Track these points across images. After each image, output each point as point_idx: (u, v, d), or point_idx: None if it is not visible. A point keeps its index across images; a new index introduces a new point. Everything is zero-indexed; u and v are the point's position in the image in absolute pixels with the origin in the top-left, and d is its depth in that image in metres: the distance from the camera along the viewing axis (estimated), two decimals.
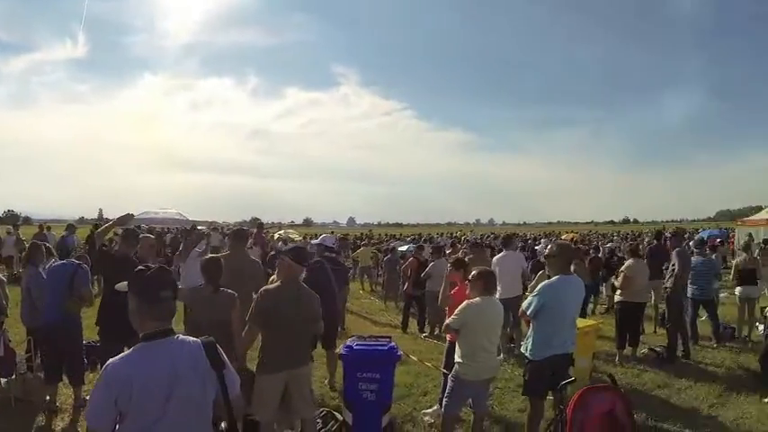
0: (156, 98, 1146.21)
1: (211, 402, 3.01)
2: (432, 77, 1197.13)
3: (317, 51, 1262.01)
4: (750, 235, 23.61)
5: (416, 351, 10.21)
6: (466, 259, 8.33)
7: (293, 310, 5.36)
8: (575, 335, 6.30)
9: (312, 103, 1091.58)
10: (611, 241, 26.88)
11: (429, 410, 7.11)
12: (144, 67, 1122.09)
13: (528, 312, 6.00)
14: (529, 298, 6.17)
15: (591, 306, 15.60)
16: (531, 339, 6.05)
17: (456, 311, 6.00)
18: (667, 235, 14.38)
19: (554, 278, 6.08)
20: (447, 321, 6.16)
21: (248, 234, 10.29)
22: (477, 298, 5.93)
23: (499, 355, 9.37)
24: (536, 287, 6.24)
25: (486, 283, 6.05)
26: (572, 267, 10.84)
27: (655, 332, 11.82)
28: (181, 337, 3.01)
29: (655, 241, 13.24)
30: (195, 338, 3.06)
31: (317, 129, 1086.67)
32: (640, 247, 13.84)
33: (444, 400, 6.08)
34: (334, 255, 9.78)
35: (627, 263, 10.91)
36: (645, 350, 10.53)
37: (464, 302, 6.03)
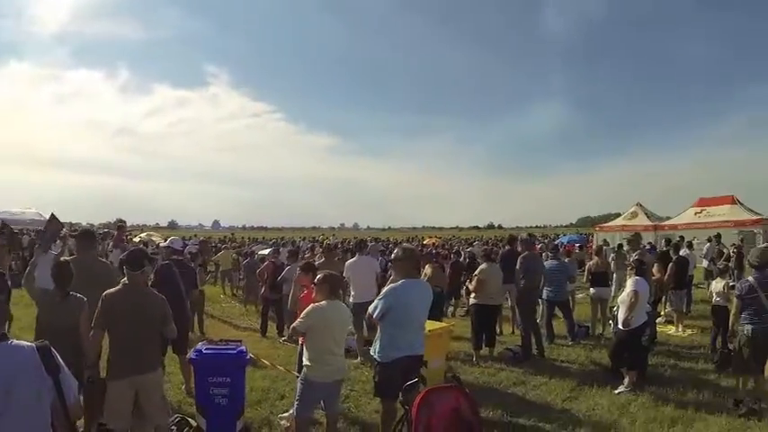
0: (21, 87, 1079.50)
1: (48, 408, 2.89)
2: (302, 81, 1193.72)
3: (190, 49, 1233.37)
4: (605, 240, 24.74)
5: (274, 355, 10.19)
6: (316, 263, 8.33)
7: (136, 315, 5.23)
8: (423, 337, 6.35)
9: (181, 102, 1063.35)
10: (472, 246, 27.36)
11: (285, 414, 6.99)
12: (10, 53, 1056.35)
13: (375, 315, 6.06)
14: (375, 301, 6.22)
15: (451, 309, 16.08)
16: (378, 342, 6.12)
17: (302, 315, 6.01)
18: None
19: (399, 282, 6.15)
20: (294, 324, 6.11)
21: (96, 235, 9.81)
22: (323, 301, 5.95)
23: (357, 358, 9.45)
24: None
25: (332, 286, 6.09)
26: (429, 271, 11.10)
27: (513, 333, 12.12)
28: (14, 342, 2.90)
29: (508, 246, 13.57)
30: (30, 343, 2.96)
31: (185, 128, 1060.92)
32: (494, 251, 14.15)
33: (295, 403, 6.01)
34: (181, 258, 9.52)
35: (480, 267, 11.12)
36: (501, 350, 10.80)
37: (310, 306, 6.03)
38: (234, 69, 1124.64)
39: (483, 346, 10.53)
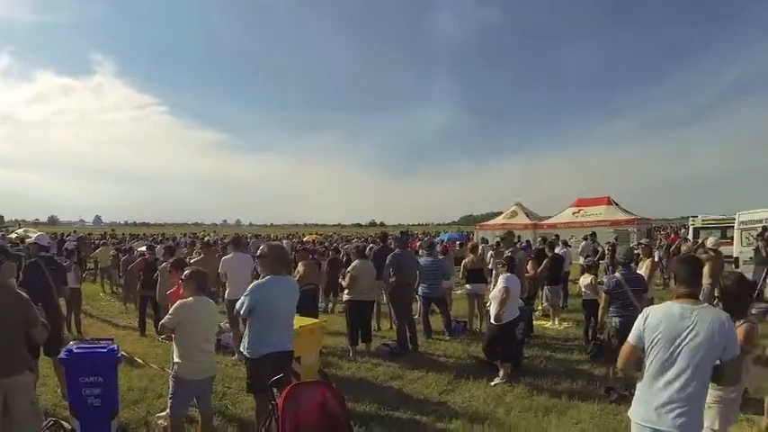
0: None
1: None
2: (189, 73, 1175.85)
3: (77, 34, 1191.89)
4: (483, 238, 25.14)
5: (152, 354, 9.98)
6: (194, 260, 8.14)
7: None
8: (291, 333, 6.34)
9: (64, 91, 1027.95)
10: (350, 243, 27.42)
11: (162, 413, 6.78)
12: None
13: (242, 312, 6.01)
14: (242, 297, 6.13)
15: (330, 305, 16.17)
16: (247, 338, 6.07)
17: (170, 311, 5.91)
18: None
19: (265, 278, 6.12)
20: (162, 321, 5.98)
21: None
22: (190, 298, 5.89)
23: (234, 355, 9.25)
24: None
25: (198, 282, 6.02)
26: (301, 269, 10.98)
27: (390, 328, 12.07)
28: None
29: (381, 243, 13.62)
30: None
31: (67, 119, 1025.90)
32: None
33: (169, 401, 5.89)
34: (50, 254, 9.07)
35: (353, 263, 11.20)
36: (379, 345, 10.85)
37: (177, 302, 5.95)
38: (120, 58, 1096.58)
39: (359, 341, 10.58)
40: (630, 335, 3.73)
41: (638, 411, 3.71)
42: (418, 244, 21.07)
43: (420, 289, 11.98)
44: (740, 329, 4.49)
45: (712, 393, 4.45)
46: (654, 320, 3.58)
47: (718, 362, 3.58)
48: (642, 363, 3.69)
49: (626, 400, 7.39)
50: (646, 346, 3.59)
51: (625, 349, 3.76)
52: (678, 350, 3.48)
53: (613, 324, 7.85)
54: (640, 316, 3.73)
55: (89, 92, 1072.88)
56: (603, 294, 8.16)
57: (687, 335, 3.48)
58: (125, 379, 8.28)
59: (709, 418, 4.48)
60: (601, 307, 8.24)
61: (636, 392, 3.80)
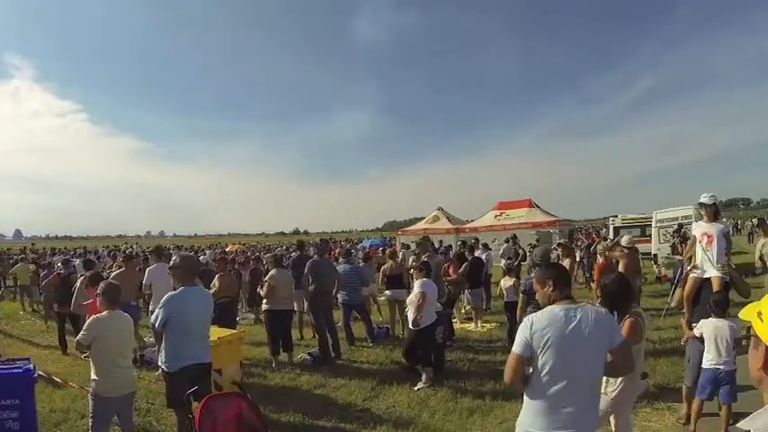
0: None
1: None
2: (110, 80, 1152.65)
3: None
4: (404, 243, 25.24)
5: (75, 373, 9.70)
6: (112, 273, 7.96)
7: None
8: (208, 345, 6.30)
9: None
10: (271, 252, 27.30)
11: None
12: None
13: (156, 325, 5.95)
14: (156, 310, 6.09)
15: (253, 316, 16.02)
16: (163, 351, 6.00)
17: (84, 327, 5.81)
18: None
19: (178, 290, 6.07)
20: (77, 338, 5.91)
21: None
22: (104, 312, 5.81)
23: (158, 370, 9.04)
24: None
25: (112, 296, 5.93)
26: (217, 283, 10.88)
27: (313, 337, 11.94)
28: None
29: (298, 251, 13.55)
30: None
31: None
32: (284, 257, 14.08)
33: (90, 420, 5.81)
34: None
35: (270, 273, 11.09)
36: (302, 355, 10.82)
37: (91, 318, 5.85)
38: (39, 62, 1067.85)
39: (280, 351, 10.53)
40: (516, 344, 3.67)
41: (535, 423, 3.67)
42: (338, 251, 21.06)
43: (339, 296, 12.03)
44: (626, 323, 4.76)
45: (609, 382, 4.76)
46: (540, 326, 3.57)
47: (608, 355, 3.69)
48: (526, 374, 3.69)
49: None
50: (536, 353, 3.56)
51: (511, 361, 3.68)
52: (569, 351, 3.51)
53: None
54: (524, 324, 3.69)
55: (7, 96, 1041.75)
56: (521, 295, 8.24)
57: (574, 334, 3.52)
58: (47, 401, 8.14)
59: (605, 405, 4.72)
60: (519, 308, 8.34)
61: (527, 403, 3.78)
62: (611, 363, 3.72)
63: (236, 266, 17.04)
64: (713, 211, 7.70)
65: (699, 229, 7.86)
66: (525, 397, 3.78)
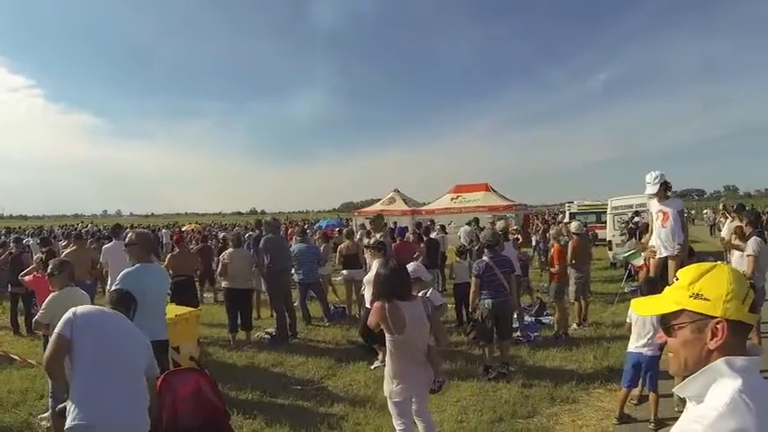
0: None
1: None
2: (65, 55, 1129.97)
3: None
4: (362, 224, 25.24)
5: (33, 354, 9.50)
6: (67, 251, 7.91)
7: None
8: (164, 322, 6.28)
9: None
10: (226, 231, 27.18)
11: (45, 414, 6.68)
12: None
13: None
14: (112, 288, 5.98)
15: (210, 295, 16.13)
16: None
17: (42, 306, 5.87)
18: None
19: (134, 266, 6.05)
20: (35, 317, 5.93)
21: None
22: (61, 289, 5.87)
23: None
24: None
25: (66, 273, 6.02)
26: (168, 261, 10.85)
27: (271, 316, 11.95)
28: None
29: (256, 230, 13.55)
30: None
31: None
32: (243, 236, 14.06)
33: (50, 400, 5.92)
34: None
35: (227, 251, 11.14)
36: (260, 333, 10.90)
37: (49, 296, 5.91)
38: None
39: (238, 329, 10.63)
40: None
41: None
42: (294, 230, 21.04)
43: (296, 276, 12.06)
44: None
45: None
46: None
47: None
48: None
49: (504, 377, 7.83)
50: None
51: None
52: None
53: (486, 305, 8.12)
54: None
55: None
56: (473, 278, 8.33)
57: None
58: (4, 381, 8.17)
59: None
60: (472, 291, 8.41)
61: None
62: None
63: (191, 246, 16.91)
64: (664, 189, 7.51)
65: (654, 206, 7.74)
66: None
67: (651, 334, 6.01)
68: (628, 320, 6.45)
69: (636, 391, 6.79)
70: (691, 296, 1.68)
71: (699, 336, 1.67)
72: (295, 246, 12.40)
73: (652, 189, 7.52)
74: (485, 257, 8.44)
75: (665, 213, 7.49)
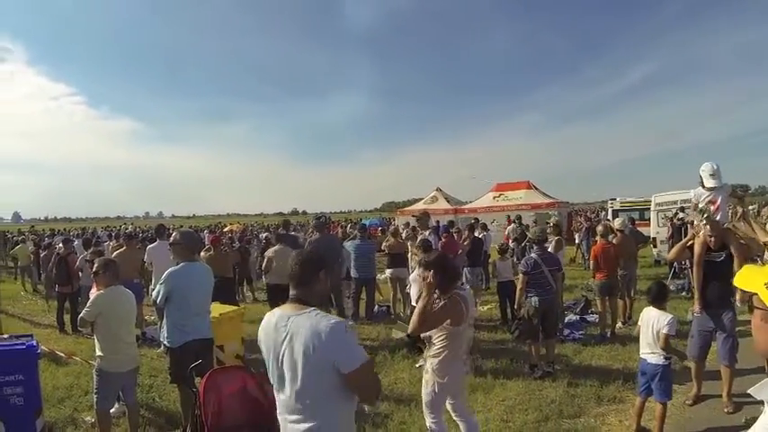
0: None
1: None
2: (104, 62, 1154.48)
3: None
4: (407, 223, 25.24)
5: (77, 351, 9.59)
6: (116, 252, 8.01)
7: None
8: (209, 320, 6.35)
9: None
10: (269, 232, 27.40)
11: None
12: None
13: (158, 301, 6.03)
14: (157, 287, 6.17)
15: (250, 294, 16.50)
16: (165, 327, 6.07)
17: (89, 303, 5.86)
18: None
19: (179, 265, 6.10)
20: (81, 314, 5.94)
21: None
22: (106, 288, 5.85)
23: (160, 347, 9.11)
24: None
25: (111, 272, 5.96)
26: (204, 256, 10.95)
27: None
28: None
29: (282, 229, 13.70)
30: None
31: None
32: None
33: (94, 396, 5.86)
34: None
35: (272, 248, 11.33)
36: None
37: (94, 294, 5.95)
38: (31, 45, 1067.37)
39: None
40: None
41: None
42: (339, 231, 21.10)
43: (352, 272, 12.11)
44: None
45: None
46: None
47: None
48: None
49: (550, 376, 7.78)
50: None
51: None
52: None
53: (532, 303, 8.10)
54: None
55: (1, 81, 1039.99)
56: (521, 275, 8.27)
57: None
58: (50, 378, 8.23)
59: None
60: (519, 288, 8.35)
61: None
62: None
63: (233, 245, 17.13)
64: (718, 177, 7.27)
65: (701, 197, 7.45)
66: None
67: (652, 340, 5.85)
68: (639, 323, 6.22)
69: (693, 391, 6.75)
70: (765, 284, 1.62)
71: (763, 326, 1.65)
72: (352, 242, 12.51)
73: (714, 182, 7.30)
74: (533, 254, 8.40)
75: (714, 202, 7.29)
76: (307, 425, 2.96)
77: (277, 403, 3.18)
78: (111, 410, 6.15)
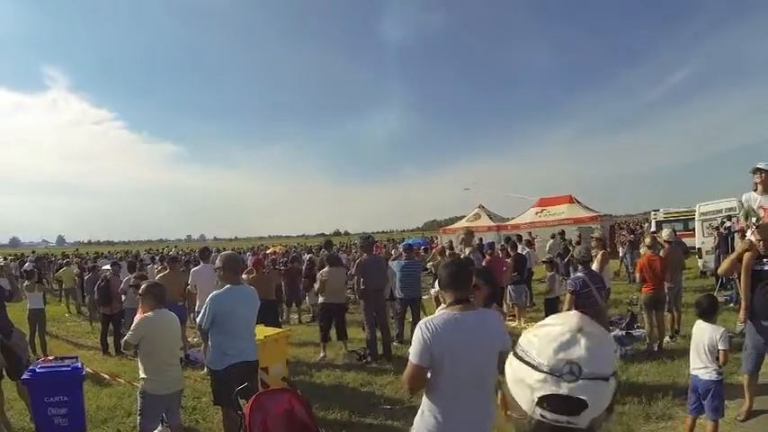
0: None
1: None
2: (143, 86, 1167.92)
3: (27, 48, 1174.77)
4: (450, 241, 25.17)
5: (120, 372, 9.72)
6: (160, 275, 8.09)
7: None
8: (254, 343, 6.31)
9: (17, 107, 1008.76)
10: (311, 253, 27.45)
11: None
12: None
13: (203, 325, 5.99)
14: (201, 310, 6.17)
15: (295, 316, 16.39)
16: (210, 350, 6.07)
17: (132, 326, 5.88)
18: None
19: (224, 288, 6.11)
20: (125, 337, 5.93)
21: None
22: (151, 312, 5.86)
23: (203, 369, 9.16)
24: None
25: (156, 295, 5.98)
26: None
27: (363, 329, 12.00)
28: None
29: (324, 250, 13.82)
30: None
31: (21, 136, 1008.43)
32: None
33: (138, 418, 5.84)
34: None
35: (325, 269, 11.37)
36: (344, 351, 11.10)
37: (138, 317, 6.01)
38: (73, 71, 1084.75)
39: (330, 339, 11.11)
40: (414, 353, 3.48)
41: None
42: (383, 250, 21.12)
43: (397, 292, 12.09)
44: None
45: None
46: (437, 332, 3.42)
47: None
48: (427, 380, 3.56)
49: None
50: (435, 362, 3.43)
51: (412, 371, 3.53)
52: (465, 360, 3.41)
53: None
54: (421, 331, 3.47)
55: (43, 108, 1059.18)
56: (568, 294, 8.14)
57: (470, 342, 3.43)
58: (93, 398, 8.26)
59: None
60: (566, 308, 8.19)
61: (426, 413, 3.61)
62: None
63: (276, 267, 17.20)
64: None
65: (752, 202, 7.02)
66: (427, 404, 3.63)
67: (706, 356, 5.67)
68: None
69: (745, 406, 6.52)
70: None
71: None
72: (397, 262, 12.48)
73: (765, 166, 6.86)
74: (580, 273, 8.28)
75: (766, 209, 6.85)
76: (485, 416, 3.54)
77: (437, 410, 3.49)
78: None
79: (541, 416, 1.19)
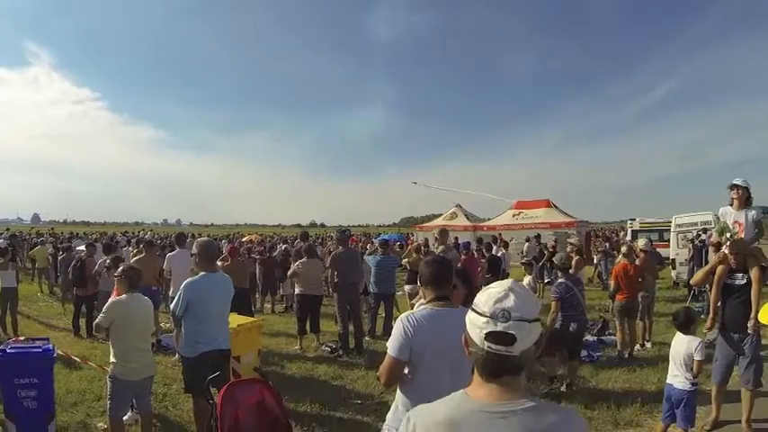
0: None
1: None
2: (127, 69, 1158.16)
3: (9, 20, 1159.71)
4: (426, 239, 25.20)
5: (91, 355, 9.66)
6: (136, 258, 8.03)
7: None
8: (227, 331, 6.30)
9: None
10: (287, 243, 27.34)
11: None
12: None
13: (177, 311, 5.95)
14: (176, 296, 6.10)
15: (269, 306, 16.29)
16: (182, 337, 6.01)
17: (104, 309, 5.84)
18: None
19: (198, 275, 6.09)
20: (96, 320, 5.89)
21: None
22: (124, 295, 5.85)
23: (175, 355, 9.13)
24: None
25: (132, 279, 5.96)
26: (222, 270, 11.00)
27: (335, 323, 12.00)
28: None
29: (300, 241, 13.81)
30: None
31: (2, 112, 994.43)
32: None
33: (107, 402, 5.80)
34: None
35: (301, 260, 11.45)
36: (315, 343, 11.09)
37: (110, 300, 5.94)
38: (57, 50, 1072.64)
39: (307, 331, 11.05)
40: (394, 347, 3.48)
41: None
42: (360, 244, 21.09)
43: (371, 287, 12.20)
44: None
45: None
46: (419, 327, 3.44)
47: None
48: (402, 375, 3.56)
49: (564, 396, 7.79)
50: (414, 357, 3.45)
51: (390, 364, 3.52)
52: (446, 357, 3.37)
53: (570, 329, 8.09)
54: (403, 325, 3.48)
55: (26, 84, 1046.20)
56: (554, 302, 8.17)
57: (452, 339, 3.42)
58: (63, 381, 8.17)
59: None
60: (552, 311, 8.21)
61: (401, 408, 3.56)
62: None
63: (251, 256, 17.11)
64: (745, 197, 7.03)
65: (727, 216, 7.16)
66: (402, 396, 3.62)
67: (682, 367, 5.84)
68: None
69: (711, 416, 6.60)
70: None
71: None
72: (373, 257, 12.55)
73: (741, 182, 7.03)
74: (561, 279, 8.38)
75: (740, 224, 6.96)
76: None
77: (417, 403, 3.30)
78: (125, 418, 6.11)
79: (488, 347, 1.75)
